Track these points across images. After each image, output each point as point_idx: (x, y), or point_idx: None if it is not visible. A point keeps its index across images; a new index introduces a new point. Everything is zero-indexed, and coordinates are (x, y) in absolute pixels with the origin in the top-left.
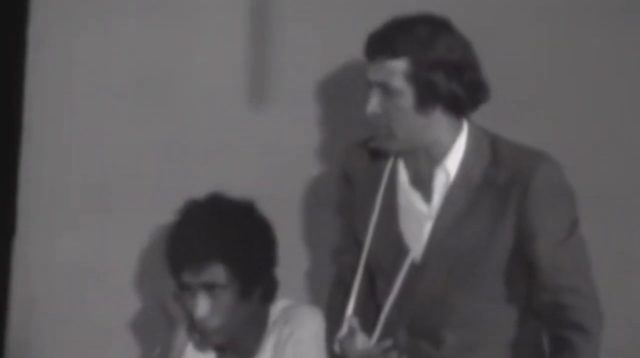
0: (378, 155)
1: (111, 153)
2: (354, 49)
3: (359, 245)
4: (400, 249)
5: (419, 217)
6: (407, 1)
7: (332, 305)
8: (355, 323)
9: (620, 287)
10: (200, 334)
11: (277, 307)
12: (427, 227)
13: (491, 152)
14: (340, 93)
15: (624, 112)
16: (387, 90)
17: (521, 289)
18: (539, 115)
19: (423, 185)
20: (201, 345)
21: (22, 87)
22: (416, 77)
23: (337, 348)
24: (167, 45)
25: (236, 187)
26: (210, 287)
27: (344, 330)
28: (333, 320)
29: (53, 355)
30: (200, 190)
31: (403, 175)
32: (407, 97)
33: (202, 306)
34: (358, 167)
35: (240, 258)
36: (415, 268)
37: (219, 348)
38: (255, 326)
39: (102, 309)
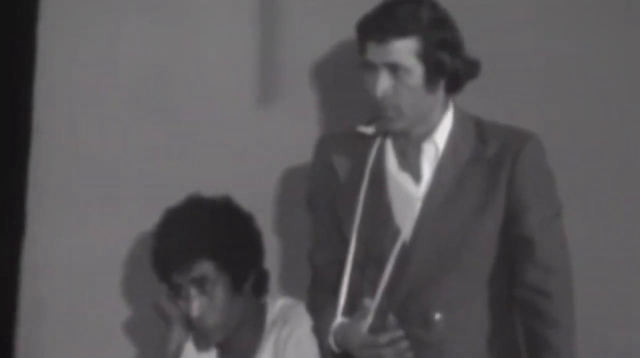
0: (360, 143)
1: (119, 154)
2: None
3: (343, 236)
4: (392, 233)
5: (409, 200)
6: None
7: (316, 306)
8: (370, 304)
9: (620, 287)
10: (199, 333)
11: (277, 306)
12: (417, 208)
13: (477, 131)
14: (346, 92)
15: (625, 114)
16: (395, 70)
17: (506, 277)
18: (539, 115)
19: (411, 165)
20: (202, 345)
21: (31, 89)
22: (426, 55)
23: (331, 341)
24: (172, 45)
25: (241, 187)
26: (201, 283)
27: (337, 320)
28: (319, 320)
29: (62, 354)
30: (207, 190)
31: (391, 159)
32: (417, 75)
33: (196, 305)
34: (342, 156)
35: (226, 251)
36: (405, 250)
37: (219, 348)
38: (253, 323)
39: (111, 309)
